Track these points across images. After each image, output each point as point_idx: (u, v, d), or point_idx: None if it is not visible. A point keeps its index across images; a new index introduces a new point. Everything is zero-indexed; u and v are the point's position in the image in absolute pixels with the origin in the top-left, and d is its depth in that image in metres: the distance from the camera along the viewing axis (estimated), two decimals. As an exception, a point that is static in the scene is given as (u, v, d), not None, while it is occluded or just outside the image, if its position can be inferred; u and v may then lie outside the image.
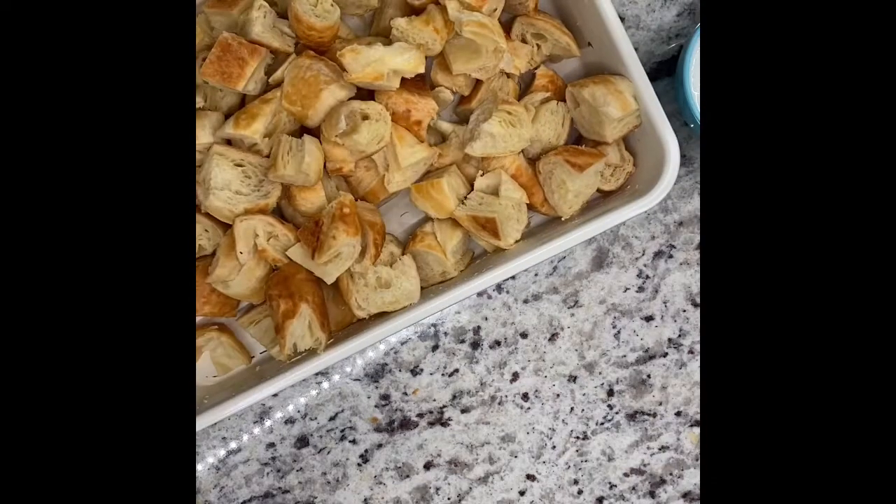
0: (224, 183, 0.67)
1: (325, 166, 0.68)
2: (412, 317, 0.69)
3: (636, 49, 0.76)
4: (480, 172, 0.71)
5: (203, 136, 0.68)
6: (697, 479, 0.77)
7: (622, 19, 0.76)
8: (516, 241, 0.71)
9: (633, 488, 0.78)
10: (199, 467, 0.78)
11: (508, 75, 0.72)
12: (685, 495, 0.78)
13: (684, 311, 0.78)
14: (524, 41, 0.72)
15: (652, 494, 0.78)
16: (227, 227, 0.70)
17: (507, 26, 0.71)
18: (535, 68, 0.73)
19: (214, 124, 0.68)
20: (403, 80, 0.68)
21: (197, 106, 0.68)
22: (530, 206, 0.72)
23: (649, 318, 0.78)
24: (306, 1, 0.66)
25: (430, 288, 0.73)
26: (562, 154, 0.70)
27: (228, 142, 0.70)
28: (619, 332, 0.78)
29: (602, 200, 0.73)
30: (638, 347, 0.78)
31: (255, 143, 0.67)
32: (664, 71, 0.76)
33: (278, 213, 0.73)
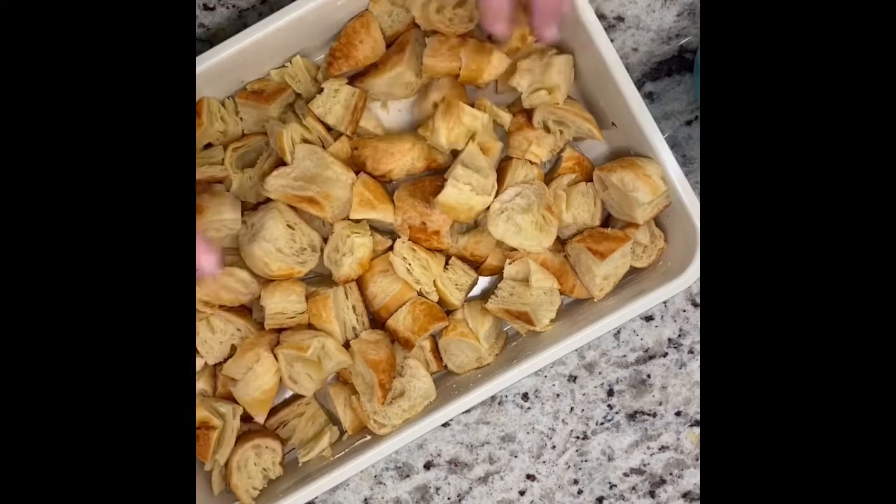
0: (272, 237, 0.67)
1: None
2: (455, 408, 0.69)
3: (636, 49, 0.76)
4: (508, 261, 0.71)
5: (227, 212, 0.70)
6: (697, 479, 0.77)
7: (622, 19, 0.76)
8: (551, 321, 0.71)
9: (633, 488, 0.78)
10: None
11: (532, 162, 0.72)
12: (685, 495, 0.78)
13: (684, 311, 0.78)
14: (546, 129, 0.72)
15: (652, 494, 0.78)
16: (263, 281, 0.71)
17: (528, 114, 0.72)
18: (560, 152, 0.73)
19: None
20: (414, 185, 0.71)
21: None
22: (561, 292, 0.72)
23: (649, 318, 0.78)
24: None
25: (468, 374, 0.73)
26: (585, 241, 0.70)
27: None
28: (618, 331, 0.77)
29: (636, 276, 0.73)
30: (638, 347, 0.78)
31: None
32: (664, 71, 0.76)
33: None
